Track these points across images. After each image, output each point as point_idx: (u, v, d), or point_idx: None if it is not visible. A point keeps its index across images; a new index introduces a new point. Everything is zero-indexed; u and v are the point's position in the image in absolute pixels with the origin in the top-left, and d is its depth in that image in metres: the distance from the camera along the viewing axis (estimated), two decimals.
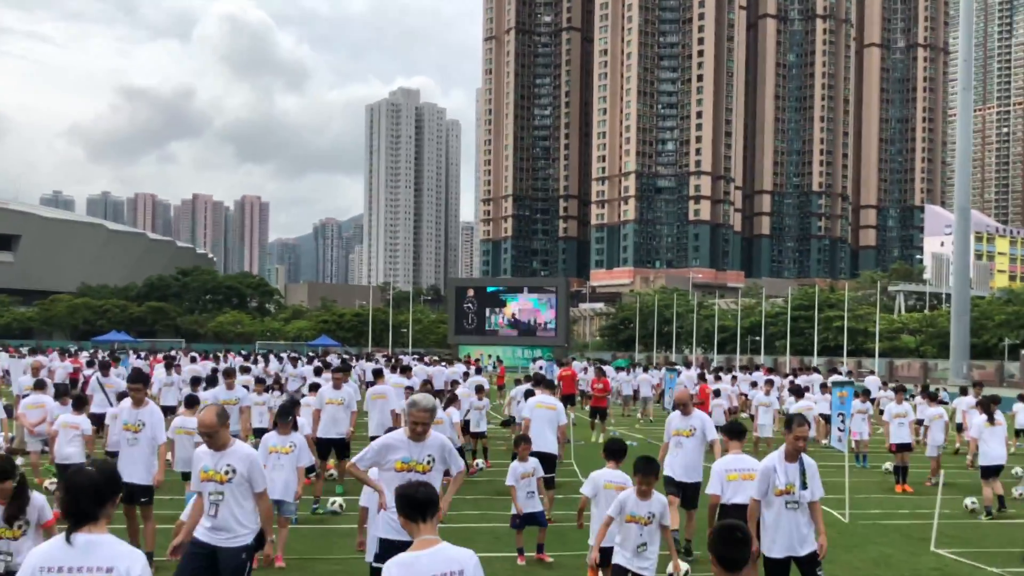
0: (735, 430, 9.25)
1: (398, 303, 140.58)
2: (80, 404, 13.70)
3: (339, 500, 13.78)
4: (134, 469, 10.29)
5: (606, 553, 8.07)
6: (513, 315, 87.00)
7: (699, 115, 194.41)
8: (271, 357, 44.83)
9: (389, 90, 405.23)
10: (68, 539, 4.09)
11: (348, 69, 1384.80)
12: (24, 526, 6.39)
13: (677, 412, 11.17)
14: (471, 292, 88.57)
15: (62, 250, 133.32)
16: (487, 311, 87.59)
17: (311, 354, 57.83)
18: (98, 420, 16.45)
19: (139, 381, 11.05)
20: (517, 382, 24.20)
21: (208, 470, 6.90)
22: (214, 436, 6.85)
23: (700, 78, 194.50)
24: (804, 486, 7.61)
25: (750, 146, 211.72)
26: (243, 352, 56.88)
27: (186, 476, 11.23)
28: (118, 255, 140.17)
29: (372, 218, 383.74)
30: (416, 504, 4.61)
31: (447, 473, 7.37)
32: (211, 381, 16.85)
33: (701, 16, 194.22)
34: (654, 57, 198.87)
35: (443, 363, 37.19)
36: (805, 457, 7.77)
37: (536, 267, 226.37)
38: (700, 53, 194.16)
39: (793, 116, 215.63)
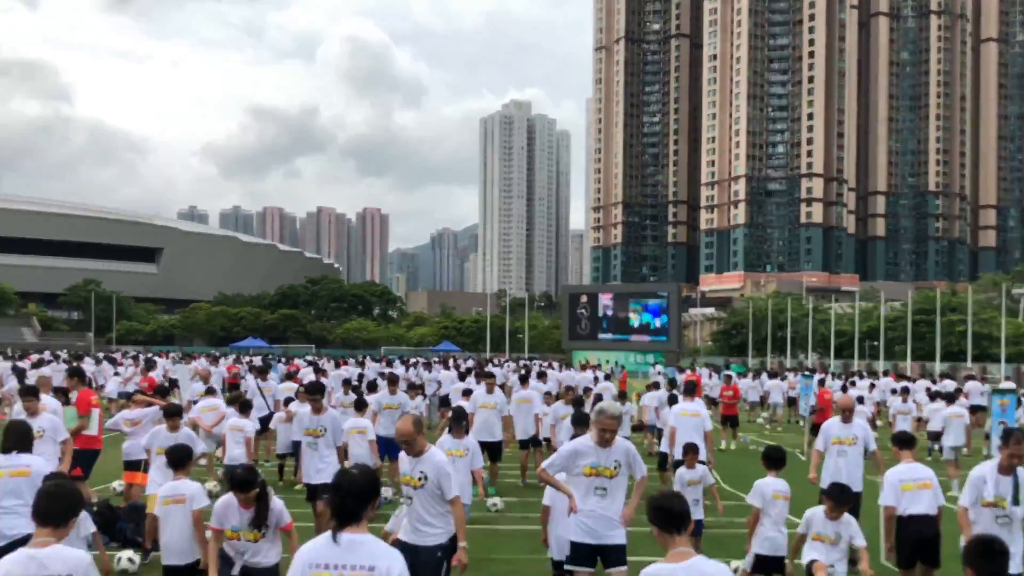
0: (905, 439, 9.02)
1: (513, 309, 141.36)
2: (245, 408, 14.33)
3: (497, 500, 13.99)
4: (318, 470, 10.72)
5: (763, 562, 8.04)
6: (627, 321, 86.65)
7: (810, 116, 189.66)
8: (409, 362, 45.62)
9: (502, 103, 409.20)
10: (334, 538, 4.28)
11: (462, 84, 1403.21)
12: (265, 529, 6.74)
13: (836, 419, 10.85)
14: (584, 298, 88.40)
15: (200, 261, 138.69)
16: (599, 317, 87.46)
17: (435, 360, 58.62)
18: (262, 423, 17.14)
19: (316, 392, 11.51)
20: (648, 388, 24.02)
21: (405, 474, 7.17)
22: (411, 443, 7.09)
23: (811, 79, 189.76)
24: (1016, 502, 7.30)
25: (863, 147, 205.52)
26: (375, 357, 58.01)
27: None
28: (251, 266, 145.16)
29: (487, 228, 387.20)
30: (672, 517, 4.58)
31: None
32: (371, 387, 17.28)
33: (812, 17, 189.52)
34: (764, 60, 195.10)
35: (570, 368, 37.26)
36: (1022, 472, 7.45)
37: (645, 273, 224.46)
38: (811, 54, 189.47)
39: (907, 115, 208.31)
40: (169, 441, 9.56)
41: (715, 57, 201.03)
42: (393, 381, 16.36)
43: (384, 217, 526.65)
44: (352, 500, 4.34)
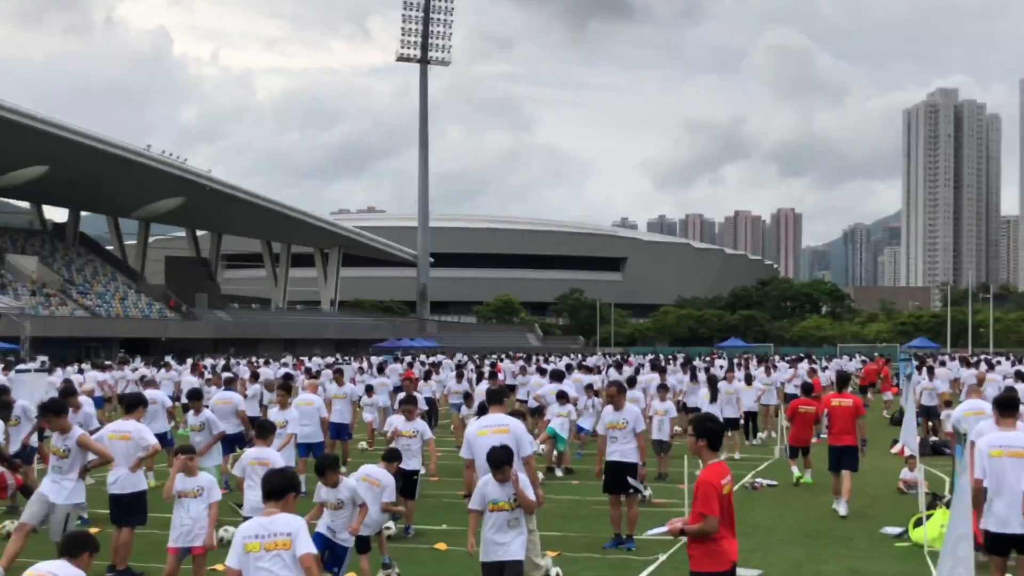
0: None
1: (956, 301, 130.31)
2: None
3: None
4: None
5: None
6: None
7: None
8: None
9: (927, 92, 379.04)
10: None
11: (882, 78, 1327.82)
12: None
13: None
14: None
15: (658, 268, 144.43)
16: None
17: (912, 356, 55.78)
18: None
19: None
20: None
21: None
22: None
23: None
24: None
25: None
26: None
27: None
28: (702, 269, 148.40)
29: (910, 219, 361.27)
30: None
31: None
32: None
33: None
34: None
35: None
36: None
37: None
38: None
39: None
40: None
41: None
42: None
43: (797, 216, 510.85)
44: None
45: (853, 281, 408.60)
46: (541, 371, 26.97)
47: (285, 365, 37.03)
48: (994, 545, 8.18)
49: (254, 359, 45.49)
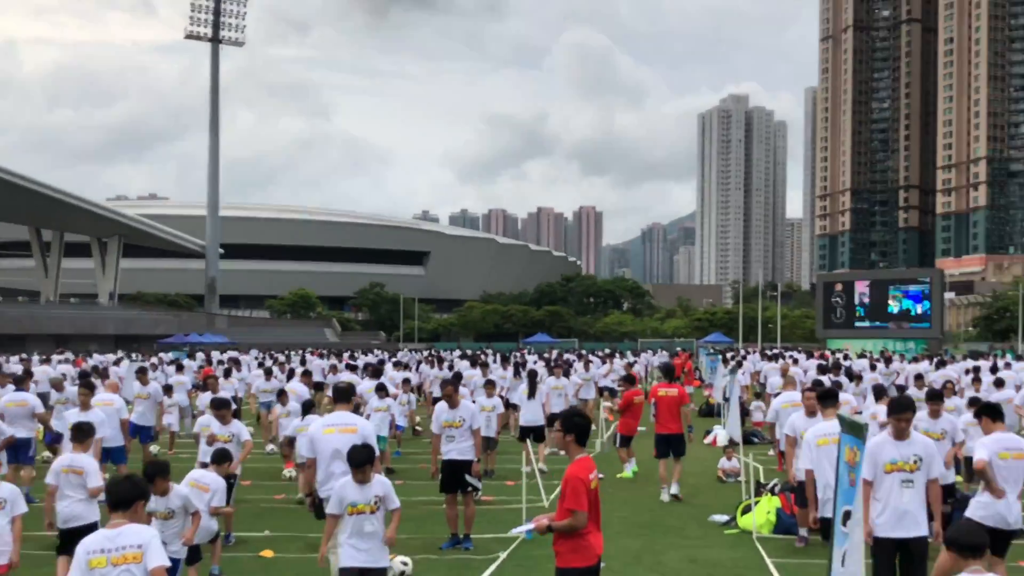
0: None
1: (746, 299, 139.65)
2: None
3: None
4: None
5: None
6: (885, 308, 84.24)
7: None
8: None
9: (719, 98, 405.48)
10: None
11: (678, 82, 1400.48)
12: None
13: None
14: (839, 286, 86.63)
15: (462, 263, 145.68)
16: (855, 305, 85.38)
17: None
18: None
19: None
20: None
21: None
22: None
23: None
24: None
25: None
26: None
27: None
28: (507, 265, 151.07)
29: (704, 220, 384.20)
30: None
31: None
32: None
33: None
34: (1004, 40, 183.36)
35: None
36: None
37: (875, 259, 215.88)
38: None
39: None
40: None
41: (951, 40, 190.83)
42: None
43: (599, 215, 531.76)
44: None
45: (651, 279, 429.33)
46: (351, 367, 26.55)
47: (65, 362, 34.41)
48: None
49: (23, 355, 42.26)
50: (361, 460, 7.35)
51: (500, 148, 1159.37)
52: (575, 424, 6.60)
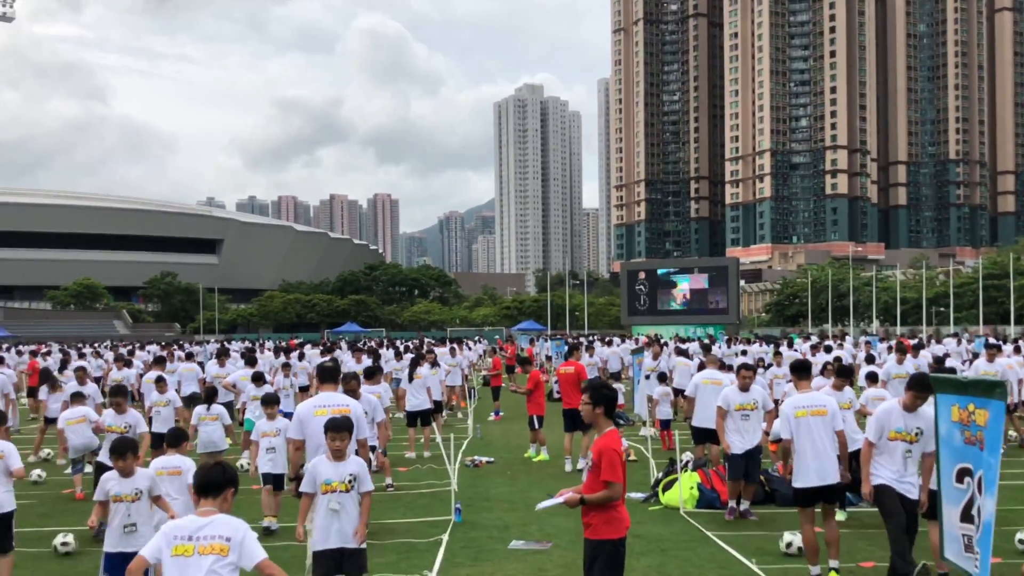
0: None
1: (551, 287, 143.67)
2: None
3: None
4: None
5: None
6: (685, 295, 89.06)
7: (833, 90, 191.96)
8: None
9: (515, 88, 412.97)
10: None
11: (473, 71, 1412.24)
12: None
13: None
14: (643, 274, 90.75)
15: (258, 251, 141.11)
16: (658, 292, 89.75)
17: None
18: None
19: None
20: None
21: None
22: None
23: (833, 54, 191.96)
24: None
25: (883, 118, 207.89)
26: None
27: None
28: (305, 253, 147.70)
29: (503, 208, 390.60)
30: None
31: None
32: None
33: None
34: (785, 37, 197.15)
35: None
36: None
37: (669, 248, 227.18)
38: (832, 29, 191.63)
39: (926, 86, 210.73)
40: None
41: (736, 35, 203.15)
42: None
43: (394, 202, 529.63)
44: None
45: (450, 267, 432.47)
46: (189, 356, 25.44)
47: None
48: (804, 498, 8.99)
49: None
50: (339, 426, 7.21)
51: (291, 134, 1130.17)
52: (603, 396, 6.64)
